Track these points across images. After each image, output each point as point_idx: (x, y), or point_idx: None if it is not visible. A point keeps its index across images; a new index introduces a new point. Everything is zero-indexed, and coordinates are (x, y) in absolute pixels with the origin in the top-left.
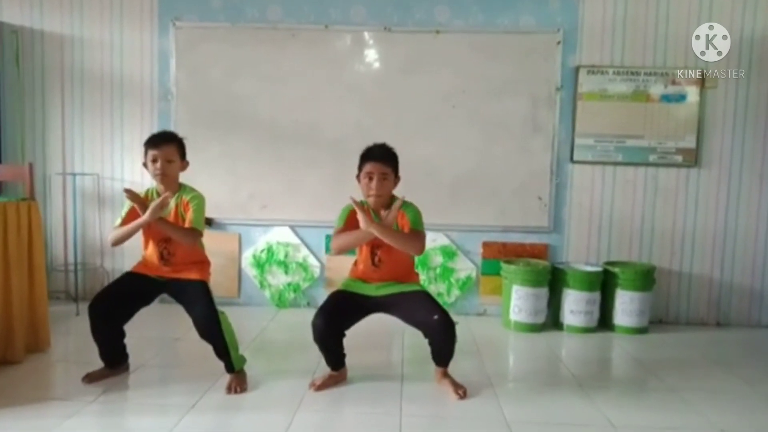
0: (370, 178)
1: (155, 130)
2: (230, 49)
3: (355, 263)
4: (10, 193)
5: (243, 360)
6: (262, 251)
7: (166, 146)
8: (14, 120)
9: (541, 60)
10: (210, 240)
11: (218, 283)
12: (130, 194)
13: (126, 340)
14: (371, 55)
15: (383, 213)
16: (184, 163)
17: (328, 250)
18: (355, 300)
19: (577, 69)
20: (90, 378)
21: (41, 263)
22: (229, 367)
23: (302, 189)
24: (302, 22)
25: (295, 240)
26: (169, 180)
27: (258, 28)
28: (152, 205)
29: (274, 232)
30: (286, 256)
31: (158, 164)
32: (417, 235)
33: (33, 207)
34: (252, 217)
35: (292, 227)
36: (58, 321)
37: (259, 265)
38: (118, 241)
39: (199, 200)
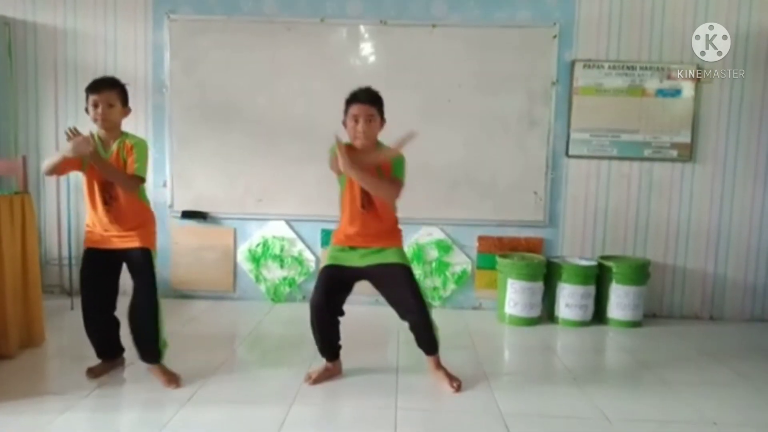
0: (356, 121)
1: (150, 123)
2: (225, 43)
3: (338, 229)
4: (3, 186)
5: (166, 346)
6: (257, 245)
7: (107, 91)
8: (7, 113)
9: (537, 54)
10: (205, 234)
11: (213, 278)
12: (72, 133)
13: (120, 333)
14: (367, 48)
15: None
16: (126, 110)
17: (323, 244)
18: (343, 273)
19: (572, 63)
20: (93, 372)
21: (35, 257)
22: (155, 356)
23: (298, 183)
24: (298, 15)
25: (291, 234)
26: (110, 125)
27: (253, 21)
28: (74, 140)
29: (270, 226)
30: (281, 250)
31: (99, 109)
32: (394, 182)
33: (26, 200)
34: (247, 211)
35: (288, 221)
36: (52, 315)
37: (255, 259)
38: (49, 170)
39: (142, 146)
